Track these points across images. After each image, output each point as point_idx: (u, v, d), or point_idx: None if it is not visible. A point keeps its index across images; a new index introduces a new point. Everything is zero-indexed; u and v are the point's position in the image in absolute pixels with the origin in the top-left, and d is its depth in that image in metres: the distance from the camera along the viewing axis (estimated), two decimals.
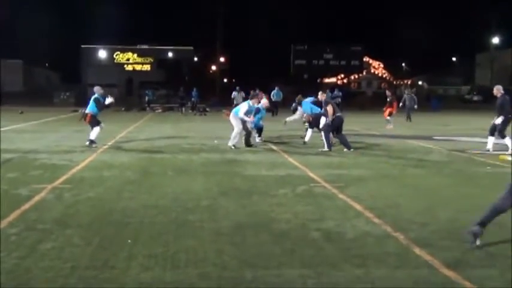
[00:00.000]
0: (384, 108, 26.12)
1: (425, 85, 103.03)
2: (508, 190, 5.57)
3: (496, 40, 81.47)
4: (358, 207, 7.47)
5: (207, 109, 38.22)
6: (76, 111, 33.18)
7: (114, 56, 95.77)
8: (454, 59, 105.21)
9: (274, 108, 33.19)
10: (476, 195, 8.50)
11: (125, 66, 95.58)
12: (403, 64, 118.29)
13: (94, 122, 15.07)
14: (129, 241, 5.67)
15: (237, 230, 6.20)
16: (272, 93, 33.66)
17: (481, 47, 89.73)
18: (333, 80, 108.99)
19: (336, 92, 35.69)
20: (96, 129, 15.02)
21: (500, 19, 77.30)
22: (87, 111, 15.33)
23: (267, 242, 5.75)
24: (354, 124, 24.63)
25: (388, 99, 25.93)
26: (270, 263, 5.07)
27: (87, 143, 14.78)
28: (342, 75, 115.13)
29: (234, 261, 5.09)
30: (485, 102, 67.17)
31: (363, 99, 62.38)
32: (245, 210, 7.25)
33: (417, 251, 5.49)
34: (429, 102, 53.46)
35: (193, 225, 6.40)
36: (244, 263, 5.04)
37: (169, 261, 5.07)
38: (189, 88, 41.86)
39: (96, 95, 15.45)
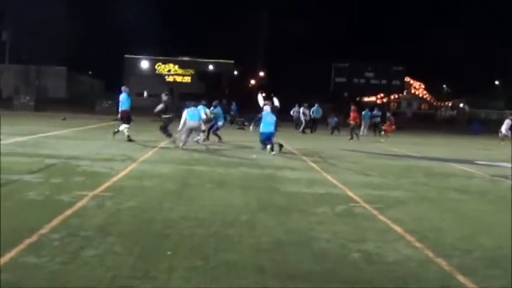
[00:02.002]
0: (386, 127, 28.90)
1: (467, 108, 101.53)
2: None
3: None
4: (398, 229, 7.36)
5: (246, 123, 38.22)
6: (116, 119, 33.67)
7: (156, 66, 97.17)
8: (496, 82, 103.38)
9: (313, 125, 33.49)
10: None
11: (166, 77, 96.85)
12: (444, 86, 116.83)
13: (127, 117, 19.26)
14: (169, 253, 5.69)
15: (277, 246, 6.17)
16: (312, 109, 33.92)
17: None
18: (373, 99, 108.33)
19: (375, 112, 35.51)
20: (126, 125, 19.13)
21: None
22: (123, 108, 19.33)
23: (308, 260, 5.71)
24: (393, 145, 24.39)
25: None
26: (311, 282, 5.03)
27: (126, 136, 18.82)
28: (382, 95, 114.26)
29: (274, 279, 5.05)
30: None
31: (402, 119, 61.77)
32: (284, 227, 7.21)
33: (461, 278, 5.37)
34: (469, 126, 52.69)
35: (233, 239, 6.40)
36: (285, 281, 5.01)
37: (209, 275, 5.07)
38: (228, 101, 42.08)
39: (125, 94, 19.56)
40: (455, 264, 5.81)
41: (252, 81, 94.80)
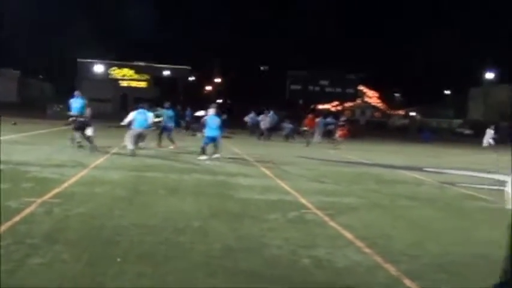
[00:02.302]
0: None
1: (418, 116, 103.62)
2: None
3: (490, 75, 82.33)
4: (349, 236, 7.44)
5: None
6: (69, 124, 33.12)
7: (110, 71, 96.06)
8: (447, 91, 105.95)
9: (269, 132, 33.62)
10: (468, 229, 8.56)
11: (120, 82, 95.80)
12: (397, 95, 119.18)
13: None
14: (119, 259, 5.61)
15: (229, 253, 6.16)
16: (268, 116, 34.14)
17: (475, 81, 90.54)
18: (327, 106, 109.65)
19: (329, 119, 35.94)
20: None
21: (495, 55, 78.21)
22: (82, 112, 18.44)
23: (259, 266, 5.72)
24: (347, 152, 24.67)
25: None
26: None
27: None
28: (337, 102, 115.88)
29: (225, 285, 5.04)
30: (477, 137, 67.60)
31: (356, 127, 62.51)
32: (236, 233, 7.22)
33: (408, 282, 5.47)
34: (420, 134, 53.82)
35: (184, 246, 6.36)
36: (236, 287, 5.00)
37: (159, 282, 5.02)
38: (183, 107, 41.79)
39: (80, 98, 19.43)
40: (403, 269, 5.91)
41: (208, 87, 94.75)
